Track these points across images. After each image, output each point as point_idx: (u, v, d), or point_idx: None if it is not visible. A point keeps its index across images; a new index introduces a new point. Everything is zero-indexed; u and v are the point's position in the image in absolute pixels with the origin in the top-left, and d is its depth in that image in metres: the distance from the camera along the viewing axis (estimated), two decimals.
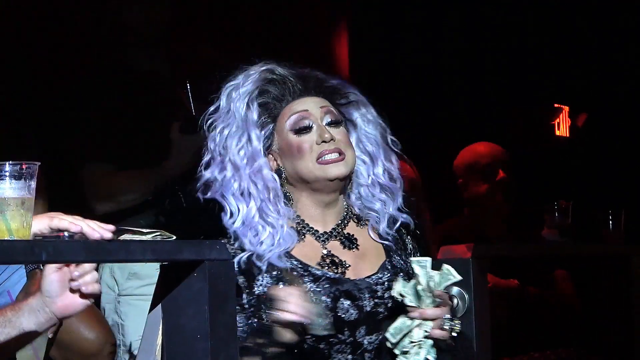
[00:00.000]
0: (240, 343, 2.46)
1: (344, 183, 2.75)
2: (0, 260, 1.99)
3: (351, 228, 2.77)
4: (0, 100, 3.86)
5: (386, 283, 2.67)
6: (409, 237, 2.83)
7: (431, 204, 4.51)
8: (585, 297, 4.90)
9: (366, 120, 2.81)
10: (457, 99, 5.92)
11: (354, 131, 2.81)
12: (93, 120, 3.69)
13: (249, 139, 2.69)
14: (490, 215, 4.92)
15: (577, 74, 6.33)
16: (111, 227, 2.27)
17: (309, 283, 2.61)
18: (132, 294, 3.57)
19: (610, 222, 4.15)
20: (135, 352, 3.23)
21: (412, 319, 2.56)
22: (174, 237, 2.90)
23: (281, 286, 2.55)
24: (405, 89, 5.63)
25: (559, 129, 6.66)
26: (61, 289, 2.30)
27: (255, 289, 2.62)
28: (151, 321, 2.57)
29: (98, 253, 2.08)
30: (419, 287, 2.55)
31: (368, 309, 2.63)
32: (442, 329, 2.58)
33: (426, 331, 2.56)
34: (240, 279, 2.61)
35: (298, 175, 2.71)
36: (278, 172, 2.74)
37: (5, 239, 2.04)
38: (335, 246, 2.73)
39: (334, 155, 2.69)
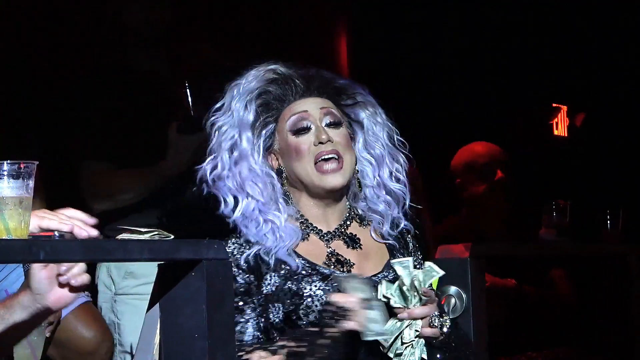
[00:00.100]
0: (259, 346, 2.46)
1: (344, 188, 2.75)
2: None
3: (354, 228, 2.77)
4: (0, 100, 3.87)
5: None
6: (409, 236, 2.84)
7: (430, 204, 4.51)
8: (584, 296, 4.89)
9: (374, 122, 2.79)
10: (456, 99, 5.92)
11: (360, 132, 2.79)
12: (93, 120, 3.69)
13: (240, 140, 2.69)
14: (489, 215, 4.89)
15: (575, 73, 6.32)
16: (94, 220, 2.25)
17: (317, 282, 2.61)
18: (129, 293, 3.57)
19: (609, 221, 4.16)
20: (133, 351, 3.24)
21: (401, 320, 2.53)
22: (172, 237, 2.91)
23: (336, 293, 2.49)
24: (404, 89, 5.63)
25: (557, 128, 6.64)
26: (50, 285, 2.28)
27: (264, 288, 2.62)
28: (149, 320, 2.57)
29: (96, 252, 2.08)
30: (404, 287, 2.53)
31: None
32: (432, 326, 2.57)
33: (417, 330, 2.53)
34: (251, 277, 2.62)
35: (297, 177, 2.72)
36: (279, 171, 2.74)
37: (3, 238, 2.04)
38: (339, 245, 2.73)
39: (333, 165, 2.68)
